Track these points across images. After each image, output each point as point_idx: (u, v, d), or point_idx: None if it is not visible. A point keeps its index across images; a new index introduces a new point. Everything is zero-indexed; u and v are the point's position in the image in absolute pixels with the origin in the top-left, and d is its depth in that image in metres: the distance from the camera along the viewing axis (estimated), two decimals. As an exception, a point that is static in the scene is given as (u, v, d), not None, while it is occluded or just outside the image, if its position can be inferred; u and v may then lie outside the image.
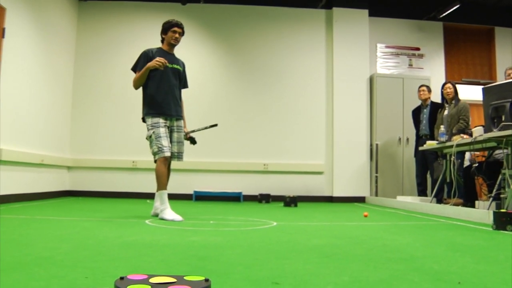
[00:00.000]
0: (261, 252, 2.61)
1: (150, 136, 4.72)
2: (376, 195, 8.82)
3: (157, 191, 4.79)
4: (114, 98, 8.94)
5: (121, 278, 1.39)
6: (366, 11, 9.45)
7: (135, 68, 4.89)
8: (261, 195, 8.28)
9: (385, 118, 9.12)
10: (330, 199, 9.00)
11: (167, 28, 5.00)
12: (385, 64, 9.68)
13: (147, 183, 8.69)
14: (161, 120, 4.74)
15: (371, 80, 9.35)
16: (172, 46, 5.02)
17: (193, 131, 5.21)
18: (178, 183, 8.68)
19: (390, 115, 9.12)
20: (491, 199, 5.19)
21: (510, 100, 4.64)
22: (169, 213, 4.55)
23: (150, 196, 8.54)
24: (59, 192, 8.24)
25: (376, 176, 8.93)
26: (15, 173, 6.49)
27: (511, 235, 3.63)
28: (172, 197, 8.57)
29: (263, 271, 2.06)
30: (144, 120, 4.86)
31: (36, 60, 7.23)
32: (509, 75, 6.62)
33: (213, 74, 9.15)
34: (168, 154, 4.71)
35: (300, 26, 9.45)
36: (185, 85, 5.14)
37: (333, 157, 9.07)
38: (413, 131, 8.29)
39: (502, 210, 4.12)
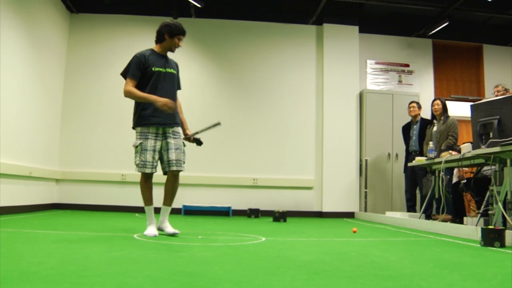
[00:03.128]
0: (249, 268, 2.60)
1: (137, 146, 4.50)
2: (366, 210, 8.83)
3: (164, 204, 4.72)
4: (104, 111, 8.92)
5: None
6: (356, 28, 9.53)
7: (125, 74, 4.57)
8: (250, 210, 8.26)
9: (374, 134, 9.16)
10: (319, 215, 8.99)
11: (175, 32, 4.67)
12: (375, 80, 9.74)
13: (136, 196, 8.59)
14: (151, 131, 4.48)
15: (361, 96, 9.39)
16: (169, 51, 4.77)
17: (196, 133, 4.81)
18: (167, 197, 8.65)
19: (380, 131, 9.16)
20: (479, 215, 5.21)
21: (498, 117, 4.67)
22: (148, 230, 4.43)
23: (139, 210, 8.49)
24: (47, 205, 8.17)
25: (366, 192, 8.94)
26: (2, 185, 6.43)
27: (499, 251, 3.64)
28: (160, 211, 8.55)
29: (250, 287, 2.04)
30: (134, 128, 4.60)
31: (25, 72, 7.21)
32: (498, 91, 6.70)
33: (203, 88, 9.16)
34: (148, 170, 4.53)
35: (291, 42, 9.50)
36: (178, 87, 4.87)
37: (322, 173, 9.08)
38: (403, 147, 8.33)
39: (490, 227, 4.13)
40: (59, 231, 4.57)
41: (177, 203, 8.59)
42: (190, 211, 8.55)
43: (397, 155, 9.03)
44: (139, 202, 8.74)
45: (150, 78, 4.52)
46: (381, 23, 9.93)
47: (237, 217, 8.16)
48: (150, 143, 4.48)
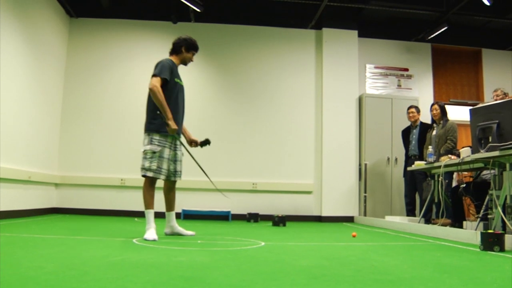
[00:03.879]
0: (248, 273, 2.60)
1: (154, 152, 4.65)
2: (365, 215, 8.82)
3: (168, 210, 5.04)
4: (103, 115, 8.92)
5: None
6: (355, 32, 9.54)
7: (159, 73, 4.63)
8: (249, 214, 8.25)
9: (374, 138, 9.16)
10: (319, 219, 8.98)
11: (191, 47, 4.94)
12: (374, 85, 9.75)
13: (135, 201, 8.63)
14: (169, 140, 4.72)
15: (360, 100, 9.40)
16: (182, 64, 5.00)
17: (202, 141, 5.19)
18: (166, 202, 8.64)
19: (379, 135, 9.16)
20: (478, 219, 5.20)
21: (497, 121, 4.68)
22: (148, 234, 4.44)
23: (138, 214, 8.49)
24: (46, 209, 8.16)
25: (365, 196, 8.93)
26: (1, 189, 6.42)
27: (498, 256, 3.63)
28: (160, 215, 8.54)
29: (250, 292, 2.04)
30: (148, 131, 4.73)
31: (25, 76, 7.21)
32: (497, 96, 6.70)
33: (202, 92, 9.16)
34: (163, 177, 4.77)
35: (290, 46, 9.51)
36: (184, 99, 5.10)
37: (322, 177, 9.07)
38: (402, 151, 8.33)
39: (489, 231, 4.13)
40: (58, 236, 4.57)
41: (177, 207, 8.56)
42: (190, 216, 8.54)
43: (396, 159, 9.03)
44: (138, 206, 8.76)
45: (174, 88, 4.77)
46: (380, 28, 9.95)
47: (237, 222, 8.15)
48: (167, 152, 4.72)
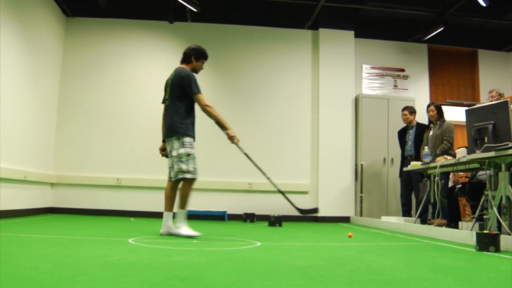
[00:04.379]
0: (244, 273, 2.60)
1: (189, 155, 4.85)
2: (361, 215, 8.83)
3: (181, 208, 4.93)
4: (99, 115, 8.90)
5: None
6: (352, 33, 9.56)
7: (199, 90, 5.09)
8: (245, 214, 8.25)
9: (370, 138, 9.17)
10: (315, 219, 8.98)
11: (200, 56, 5.22)
12: (370, 85, 9.77)
13: (131, 201, 8.64)
14: (194, 144, 4.97)
15: (356, 100, 9.41)
16: (194, 72, 5.20)
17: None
18: (162, 202, 8.61)
19: (375, 135, 9.17)
20: (474, 220, 5.22)
21: (493, 122, 4.69)
22: (187, 229, 4.76)
23: (134, 214, 8.50)
24: (41, 209, 8.14)
25: (361, 196, 8.94)
26: (-3, 189, 6.41)
27: (494, 256, 3.64)
28: (156, 215, 8.55)
29: (245, 292, 2.04)
30: (177, 135, 4.91)
31: (21, 76, 7.19)
32: (492, 97, 6.71)
33: (199, 92, 9.14)
34: (198, 177, 4.96)
35: (287, 47, 9.51)
36: None
37: (318, 177, 9.08)
38: (398, 151, 8.35)
39: (485, 231, 4.14)
40: (54, 236, 4.56)
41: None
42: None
43: (392, 159, 9.05)
44: (134, 206, 8.79)
45: (192, 99, 5.06)
46: (376, 28, 9.96)
47: (233, 222, 8.15)
48: (195, 154, 4.97)
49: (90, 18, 9.19)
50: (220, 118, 4.97)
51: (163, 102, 5.30)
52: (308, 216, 5.50)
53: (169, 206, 5.08)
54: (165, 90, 5.27)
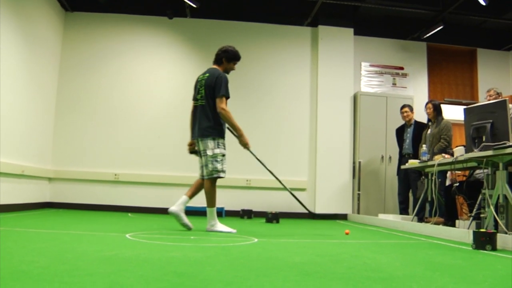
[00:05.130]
0: (241, 269, 2.60)
1: (224, 155, 5.13)
2: (358, 212, 8.84)
3: (210, 206, 5.16)
4: (97, 110, 8.89)
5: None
6: (351, 30, 9.55)
7: (226, 93, 5.13)
8: (243, 210, 8.25)
9: (368, 136, 9.17)
10: (312, 216, 8.98)
11: (233, 58, 5.30)
12: (369, 83, 9.77)
13: (129, 196, 8.64)
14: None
15: (355, 98, 9.41)
16: (225, 73, 5.26)
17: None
18: (160, 198, 8.66)
19: (373, 133, 9.17)
20: (471, 218, 5.23)
21: (491, 121, 4.70)
22: (223, 226, 5.06)
23: (132, 209, 8.51)
24: (39, 204, 8.14)
25: (359, 194, 8.95)
26: (-6, 184, 6.41)
27: (490, 255, 3.65)
28: (154, 211, 8.57)
29: (242, 288, 2.05)
30: (213, 136, 5.07)
31: (19, 70, 7.18)
32: (490, 96, 6.72)
33: (198, 88, 9.14)
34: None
35: (286, 43, 9.50)
36: None
37: (316, 174, 9.08)
38: (396, 149, 8.35)
39: (481, 230, 4.15)
40: (51, 230, 4.56)
41: (170, 203, 8.52)
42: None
43: (390, 157, 9.05)
44: (131, 201, 8.80)
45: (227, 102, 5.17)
46: (376, 26, 9.96)
47: (230, 218, 8.16)
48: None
49: (89, 13, 9.17)
50: (235, 123, 5.14)
51: (194, 100, 5.33)
52: (308, 213, 5.56)
53: (193, 194, 5.30)
54: (197, 88, 5.31)
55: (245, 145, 5.23)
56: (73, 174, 8.67)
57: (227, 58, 5.27)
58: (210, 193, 5.11)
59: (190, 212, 8.39)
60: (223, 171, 5.09)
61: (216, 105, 5.05)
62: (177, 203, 5.13)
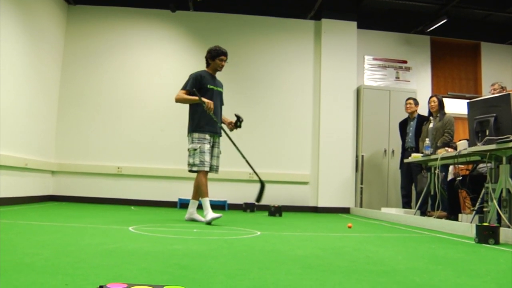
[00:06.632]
0: (244, 261, 2.60)
1: (195, 149, 5.27)
2: (361, 206, 8.84)
3: (193, 198, 5.53)
4: (100, 103, 8.90)
5: (100, 287, 1.38)
6: (354, 23, 9.51)
7: (185, 87, 5.42)
8: (246, 204, 8.26)
9: (371, 130, 9.16)
10: (315, 210, 9.00)
11: (215, 55, 5.57)
12: (372, 76, 9.74)
13: (132, 189, 8.66)
14: (207, 137, 5.35)
15: (358, 91, 9.39)
16: (217, 71, 5.65)
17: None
18: (163, 191, 8.68)
19: (376, 127, 9.16)
20: (474, 212, 5.23)
21: (495, 115, 4.68)
22: (210, 214, 5.12)
23: (135, 202, 8.52)
24: (42, 197, 8.16)
25: (361, 188, 8.95)
26: (-2, 176, 6.43)
27: (493, 249, 3.65)
28: (157, 204, 8.59)
29: (245, 281, 2.05)
30: (188, 133, 5.41)
31: (22, 64, 7.18)
32: (494, 90, 6.70)
33: (201, 81, 9.13)
34: (207, 169, 5.31)
35: (289, 37, 9.48)
36: (222, 103, 5.75)
37: (318, 168, 9.08)
38: (399, 143, 8.34)
39: (484, 224, 4.15)
40: (54, 223, 4.57)
41: (173, 196, 8.63)
42: (186, 205, 8.49)
43: (393, 151, 9.04)
44: (134, 194, 8.82)
45: (206, 94, 5.37)
46: (379, 19, 9.93)
47: (233, 211, 8.17)
48: (206, 147, 5.34)
49: (92, 6, 9.16)
50: (189, 99, 5.35)
51: None
52: (262, 195, 5.70)
53: (193, 193, 5.58)
54: None
55: (208, 104, 5.23)
56: (76, 167, 8.68)
57: (211, 57, 5.59)
58: (195, 186, 5.43)
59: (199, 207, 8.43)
60: (195, 165, 5.26)
61: None
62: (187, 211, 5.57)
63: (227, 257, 2.74)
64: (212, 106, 5.23)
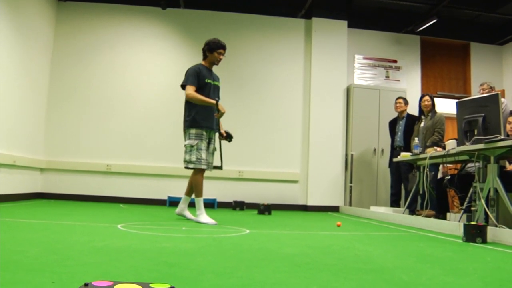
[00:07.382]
0: (232, 260, 2.60)
1: (192, 146, 5.13)
2: (350, 205, 8.87)
3: (186, 194, 5.47)
4: (90, 100, 8.85)
5: (86, 285, 1.37)
6: (345, 22, 9.54)
7: (186, 82, 5.22)
8: (235, 202, 8.26)
9: (361, 128, 9.19)
10: (304, 208, 9.02)
11: (214, 48, 5.37)
12: (362, 75, 9.77)
13: (121, 187, 8.63)
14: (204, 133, 5.21)
15: (348, 90, 9.42)
16: (213, 65, 5.49)
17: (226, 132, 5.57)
18: (152, 188, 8.65)
19: (366, 126, 9.20)
20: (462, 211, 5.26)
21: (483, 114, 4.71)
22: (205, 217, 5.08)
23: (124, 200, 8.49)
24: (31, 194, 8.11)
25: (351, 186, 8.98)
26: (-15, 174, 6.38)
27: (480, 247, 3.68)
28: (146, 202, 8.57)
29: (232, 279, 2.05)
30: (184, 128, 5.26)
31: (11, 61, 7.12)
32: (483, 90, 6.74)
33: (191, 79, 9.11)
34: (204, 167, 5.19)
35: (280, 35, 9.48)
36: (219, 97, 5.53)
37: (308, 166, 9.10)
38: (389, 142, 8.37)
39: (472, 223, 4.18)
40: (42, 221, 4.54)
41: (163, 194, 8.61)
42: (175, 203, 8.50)
43: (382, 150, 9.08)
44: (124, 192, 8.79)
45: (204, 88, 5.27)
46: (369, 19, 9.95)
47: (222, 209, 8.16)
48: (204, 144, 5.22)
49: (82, 3, 9.10)
50: (203, 100, 5.14)
51: None
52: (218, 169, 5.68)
53: (187, 189, 5.53)
54: None
55: (219, 115, 5.15)
56: (65, 165, 8.63)
57: (209, 49, 5.39)
58: (189, 182, 5.40)
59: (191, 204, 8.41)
60: (191, 162, 5.13)
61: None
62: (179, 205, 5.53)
63: (215, 255, 2.74)
64: (224, 111, 5.14)
